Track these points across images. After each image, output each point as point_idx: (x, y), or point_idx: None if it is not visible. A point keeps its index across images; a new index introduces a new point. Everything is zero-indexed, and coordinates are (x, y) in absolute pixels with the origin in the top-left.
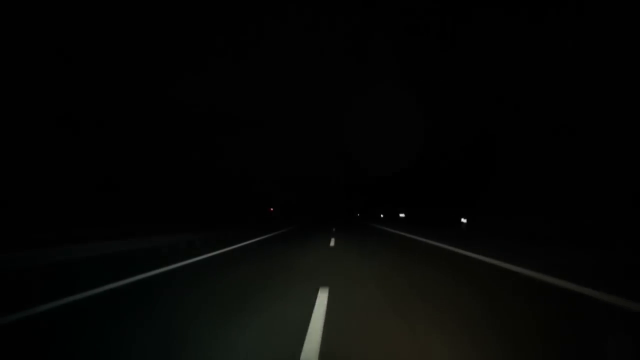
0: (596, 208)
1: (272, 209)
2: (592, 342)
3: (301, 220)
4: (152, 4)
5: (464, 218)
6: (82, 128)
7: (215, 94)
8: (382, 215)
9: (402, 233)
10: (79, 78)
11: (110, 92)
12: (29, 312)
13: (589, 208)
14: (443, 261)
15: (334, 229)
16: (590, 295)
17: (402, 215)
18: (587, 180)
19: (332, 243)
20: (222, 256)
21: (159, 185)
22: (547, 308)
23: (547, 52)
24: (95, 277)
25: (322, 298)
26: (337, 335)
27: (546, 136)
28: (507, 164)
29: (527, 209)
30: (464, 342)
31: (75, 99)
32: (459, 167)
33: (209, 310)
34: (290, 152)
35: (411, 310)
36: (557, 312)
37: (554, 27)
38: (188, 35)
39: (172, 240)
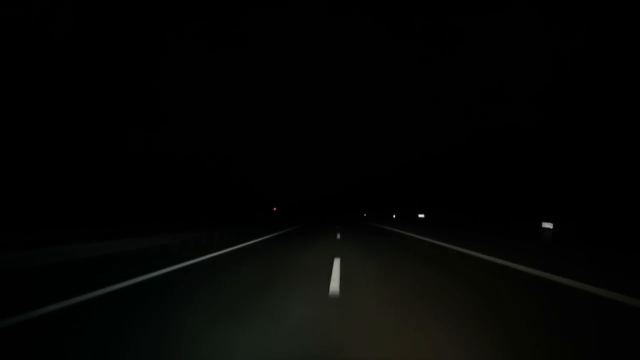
0: None
1: (275, 209)
2: None
3: (304, 221)
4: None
5: (548, 222)
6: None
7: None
8: (394, 216)
9: (452, 247)
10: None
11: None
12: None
13: None
14: None
15: (338, 235)
16: None
17: (421, 216)
18: None
19: (334, 282)
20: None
21: (167, 187)
22: None
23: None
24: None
25: None
26: None
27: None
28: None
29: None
30: None
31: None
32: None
33: None
34: (294, 150)
35: None
36: None
37: None
38: None
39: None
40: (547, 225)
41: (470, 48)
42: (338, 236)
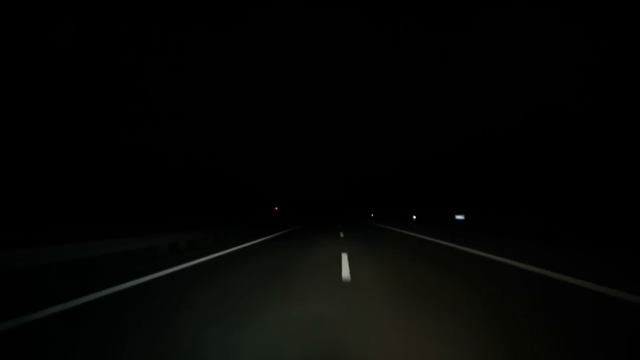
0: None
1: (276, 208)
2: None
3: (304, 221)
4: None
5: None
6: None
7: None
8: (414, 217)
9: None
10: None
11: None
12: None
13: None
14: None
15: (345, 257)
16: None
17: (459, 217)
18: None
19: None
20: None
21: (168, 188)
22: None
23: None
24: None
25: None
26: None
27: None
28: None
29: None
30: None
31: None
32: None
33: None
34: (296, 149)
35: None
36: None
37: None
38: None
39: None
40: None
41: (475, 43)
42: (344, 273)
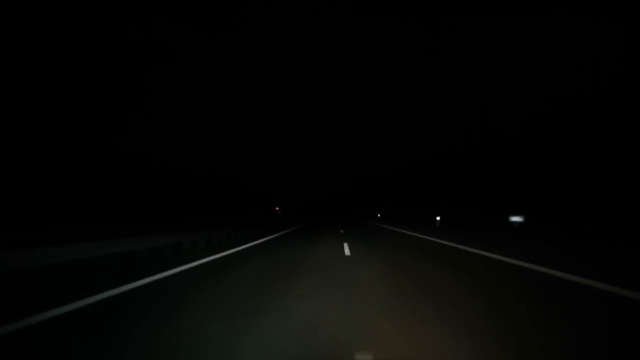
0: None
1: (277, 208)
2: None
3: (306, 221)
4: None
5: None
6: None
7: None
8: (438, 218)
9: None
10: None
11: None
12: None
13: None
14: None
15: None
16: None
17: (516, 219)
18: None
19: None
20: None
21: (170, 187)
22: None
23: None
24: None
25: None
26: None
27: None
28: None
29: None
30: None
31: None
32: None
33: None
34: (298, 147)
35: None
36: None
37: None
38: None
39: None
40: None
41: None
42: None
